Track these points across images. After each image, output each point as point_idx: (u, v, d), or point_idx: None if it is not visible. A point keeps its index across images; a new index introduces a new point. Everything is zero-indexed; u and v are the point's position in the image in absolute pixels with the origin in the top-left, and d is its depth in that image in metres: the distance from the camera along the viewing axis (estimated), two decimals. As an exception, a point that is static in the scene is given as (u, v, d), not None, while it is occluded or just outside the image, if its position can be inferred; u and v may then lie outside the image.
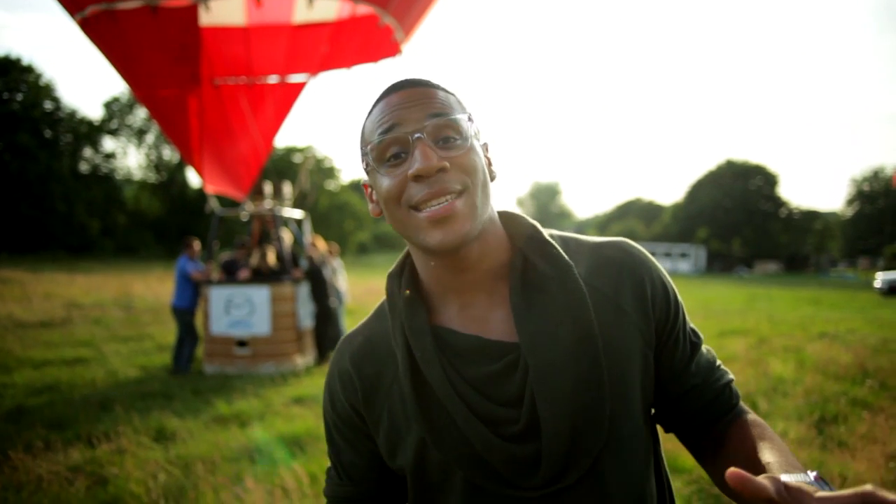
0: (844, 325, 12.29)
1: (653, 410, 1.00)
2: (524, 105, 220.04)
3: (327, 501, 1.06)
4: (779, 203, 67.66)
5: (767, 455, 0.83)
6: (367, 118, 0.91)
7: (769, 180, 67.76)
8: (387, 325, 0.97)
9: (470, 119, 0.88)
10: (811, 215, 68.72)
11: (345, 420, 0.99)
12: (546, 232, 0.96)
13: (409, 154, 0.84)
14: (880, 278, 25.66)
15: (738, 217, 65.69)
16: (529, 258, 0.91)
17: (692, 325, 1.00)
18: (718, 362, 1.01)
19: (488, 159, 0.94)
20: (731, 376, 1.00)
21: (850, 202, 67.58)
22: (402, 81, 0.89)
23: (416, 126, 0.84)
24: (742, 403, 1.00)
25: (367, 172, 0.92)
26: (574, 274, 0.89)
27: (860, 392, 6.12)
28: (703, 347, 1.00)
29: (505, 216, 0.98)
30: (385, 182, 0.86)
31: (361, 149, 0.91)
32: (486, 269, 0.91)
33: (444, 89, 0.90)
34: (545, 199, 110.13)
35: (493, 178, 0.92)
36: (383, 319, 0.99)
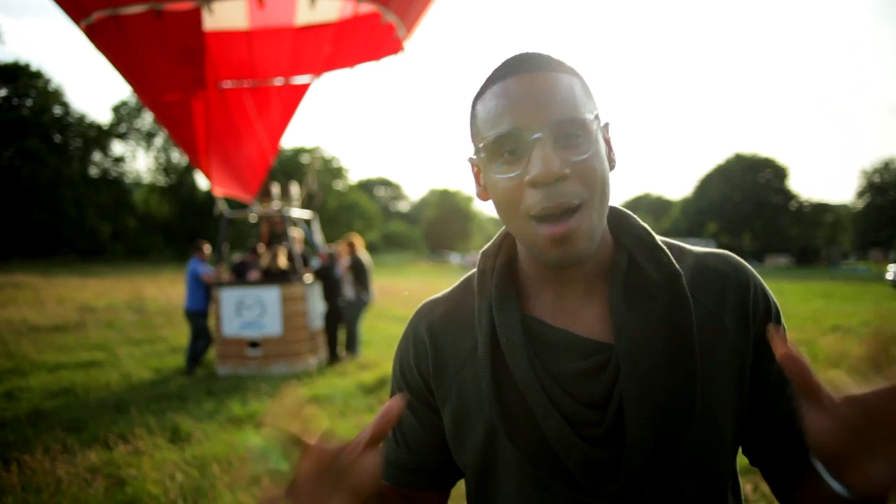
0: (857, 317, 12.22)
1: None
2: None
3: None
4: (789, 196, 67.35)
5: None
6: (479, 98, 0.84)
7: (778, 173, 67.45)
8: (471, 300, 0.93)
9: (597, 118, 0.81)
10: (821, 208, 68.34)
11: (412, 388, 0.96)
12: (657, 236, 0.92)
13: (525, 154, 0.77)
14: (892, 270, 25.39)
15: (748, 211, 65.43)
16: (637, 260, 0.87)
17: None
18: None
19: (608, 143, 0.87)
20: None
21: (860, 194, 67.20)
22: (521, 62, 0.81)
23: (537, 126, 0.77)
24: None
25: (478, 159, 0.86)
26: (683, 283, 0.84)
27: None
28: None
29: (613, 213, 0.94)
30: (500, 183, 0.80)
31: (473, 138, 0.85)
32: (590, 265, 0.87)
33: (566, 71, 0.81)
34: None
35: (612, 167, 0.85)
36: (468, 294, 0.95)
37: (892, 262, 34.06)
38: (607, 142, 0.86)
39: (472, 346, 0.90)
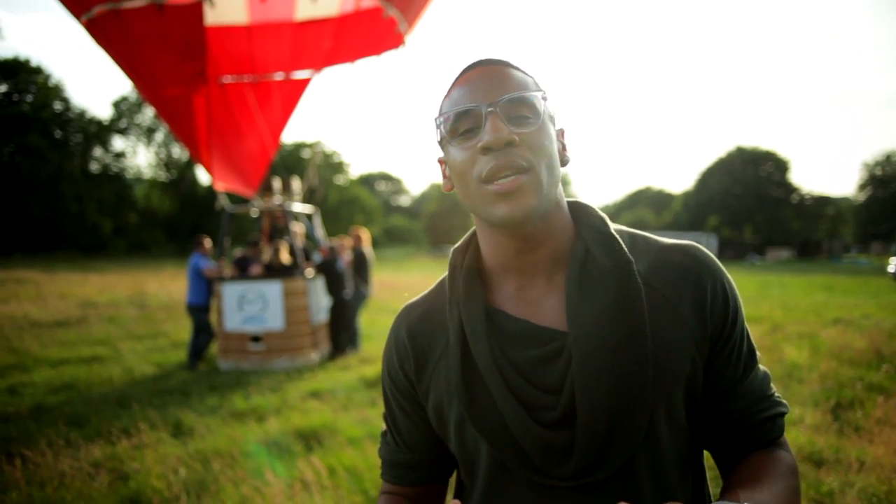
0: (858, 310, 12.22)
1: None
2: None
3: (382, 463, 1.09)
4: (790, 189, 67.11)
5: (750, 489, 0.82)
6: (444, 97, 0.93)
7: (780, 166, 67.19)
8: (444, 298, 0.99)
9: (544, 98, 0.88)
10: (823, 201, 68.09)
11: (400, 389, 1.02)
12: (613, 226, 0.96)
13: (480, 127, 0.85)
14: (894, 263, 25.41)
15: (750, 204, 65.23)
16: (591, 249, 0.91)
17: (753, 346, 0.96)
18: (772, 391, 0.96)
19: (562, 144, 0.94)
20: (783, 409, 0.95)
21: (862, 187, 66.93)
22: (480, 60, 0.90)
23: (490, 101, 0.85)
24: (785, 441, 0.96)
25: (441, 147, 0.93)
26: (633, 270, 0.88)
27: (876, 377, 6.09)
28: (760, 372, 0.96)
29: (574, 205, 0.99)
30: (458, 156, 0.87)
31: (435, 123, 0.93)
32: (548, 252, 0.91)
33: (521, 70, 0.90)
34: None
35: (565, 163, 0.93)
36: (442, 294, 1.00)
37: (893, 255, 34.00)
38: (562, 145, 0.94)
39: (446, 341, 0.96)
